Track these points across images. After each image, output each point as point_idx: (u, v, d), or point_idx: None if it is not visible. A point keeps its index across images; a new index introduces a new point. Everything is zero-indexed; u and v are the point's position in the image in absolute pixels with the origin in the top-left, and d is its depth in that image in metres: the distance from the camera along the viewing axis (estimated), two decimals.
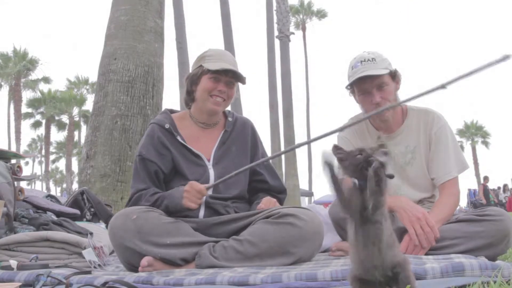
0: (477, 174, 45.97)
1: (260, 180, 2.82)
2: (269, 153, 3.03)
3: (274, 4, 21.15)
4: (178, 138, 2.68)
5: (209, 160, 2.70)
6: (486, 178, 23.52)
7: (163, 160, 2.65)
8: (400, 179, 2.76)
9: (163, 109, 3.02)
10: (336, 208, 2.64)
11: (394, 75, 2.71)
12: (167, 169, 2.65)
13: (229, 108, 2.92)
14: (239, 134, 2.82)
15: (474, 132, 49.60)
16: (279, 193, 2.87)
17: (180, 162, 2.66)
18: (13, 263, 2.54)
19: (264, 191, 2.84)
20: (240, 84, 2.75)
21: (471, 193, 29.55)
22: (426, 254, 2.37)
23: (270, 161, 2.98)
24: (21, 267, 2.50)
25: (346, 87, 2.78)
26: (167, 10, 7.12)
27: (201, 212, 2.60)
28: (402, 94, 2.80)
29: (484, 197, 22.49)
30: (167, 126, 2.69)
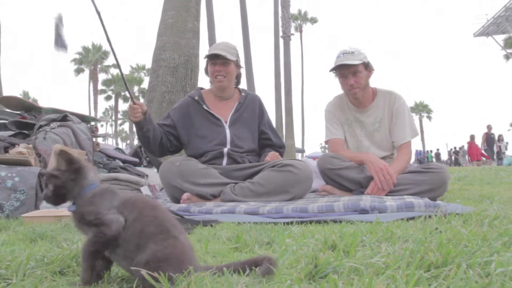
0: (422, 139, 45.77)
1: (266, 138, 2.81)
2: (273, 120, 2.99)
3: (280, 12, 20.71)
4: (204, 106, 2.69)
5: (226, 123, 2.68)
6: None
7: (182, 121, 2.68)
8: (370, 141, 2.73)
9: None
10: (321, 161, 2.62)
11: (367, 66, 2.64)
12: (182, 127, 2.67)
13: (245, 87, 2.88)
14: (249, 105, 2.78)
15: (421, 109, 49.09)
16: (280, 148, 2.86)
17: (203, 125, 2.65)
18: None
19: (269, 146, 2.83)
20: (254, 73, 2.71)
21: (418, 153, 29.63)
22: (386, 195, 2.36)
23: (274, 124, 2.96)
24: None
25: (330, 71, 2.72)
26: (202, 15, 6.95)
27: (224, 161, 2.59)
28: (375, 80, 2.74)
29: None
30: (196, 98, 2.72)
